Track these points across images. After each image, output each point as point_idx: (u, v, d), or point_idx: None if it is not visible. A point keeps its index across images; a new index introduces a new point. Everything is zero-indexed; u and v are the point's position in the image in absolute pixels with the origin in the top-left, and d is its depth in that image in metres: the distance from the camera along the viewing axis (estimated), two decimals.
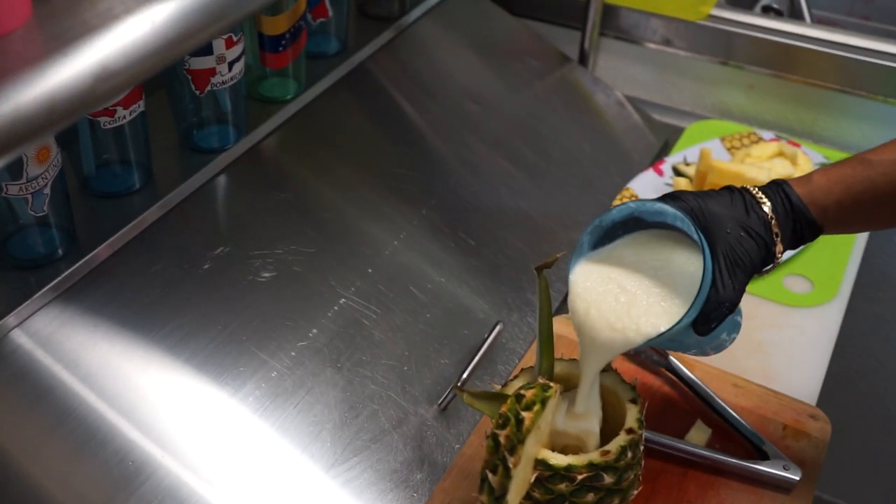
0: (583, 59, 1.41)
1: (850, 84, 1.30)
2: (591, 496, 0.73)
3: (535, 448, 0.72)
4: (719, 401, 0.92)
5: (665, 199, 0.74)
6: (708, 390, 0.93)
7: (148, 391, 0.82)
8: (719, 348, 0.80)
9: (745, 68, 1.35)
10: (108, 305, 0.85)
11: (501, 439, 0.69)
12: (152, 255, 0.91)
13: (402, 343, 0.96)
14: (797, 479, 0.85)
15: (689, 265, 0.73)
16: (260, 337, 0.90)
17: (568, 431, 0.75)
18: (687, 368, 0.95)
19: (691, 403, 0.94)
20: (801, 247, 1.11)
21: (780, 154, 1.23)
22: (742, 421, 0.90)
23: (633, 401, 0.77)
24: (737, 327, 0.80)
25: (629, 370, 0.97)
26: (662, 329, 0.70)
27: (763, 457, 0.88)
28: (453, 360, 0.96)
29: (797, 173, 1.22)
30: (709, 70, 1.37)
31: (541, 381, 0.73)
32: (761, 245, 0.73)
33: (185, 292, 0.90)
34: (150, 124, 0.93)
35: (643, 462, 0.78)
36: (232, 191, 1.00)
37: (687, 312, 0.69)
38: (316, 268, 0.98)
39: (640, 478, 0.79)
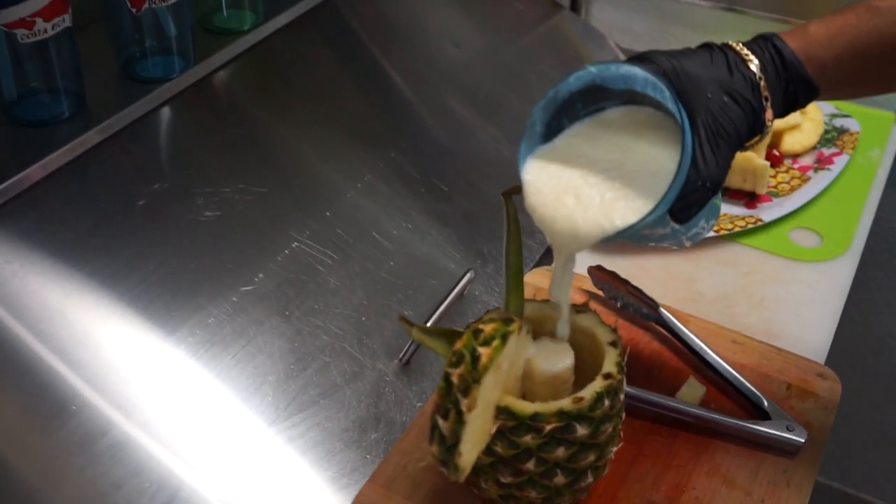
0: (575, 5, 1.31)
1: None
2: (561, 450, 0.63)
3: (496, 394, 0.62)
4: (715, 356, 0.81)
5: (633, 60, 0.63)
6: (703, 345, 0.82)
7: (74, 327, 0.73)
8: (697, 237, 0.70)
9: (750, 14, 1.24)
10: (33, 236, 0.76)
11: (454, 379, 0.58)
12: (83, 186, 0.81)
13: (360, 292, 0.86)
14: (802, 440, 0.75)
15: (664, 143, 0.63)
16: (198, 280, 0.80)
17: (537, 375, 0.65)
18: (680, 322, 0.85)
19: (684, 359, 0.84)
20: (805, 198, 1.02)
21: None
22: (741, 378, 0.80)
23: (613, 343, 0.66)
24: (716, 212, 0.70)
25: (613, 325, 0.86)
26: (632, 220, 0.60)
27: (764, 417, 0.77)
28: (418, 311, 0.86)
29: (806, 122, 1.12)
30: (711, 17, 1.27)
31: (504, 315, 0.63)
32: (748, 111, 0.62)
33: (117, 228, 0.80)
34: (90, 58, 0.84)
35: (624, 415, 0.68)
36: (176, 124, 0.90)
37: (664, 197, 0.59)
38: (266, 209, 0.88)
39: (621, 434, 0.69)
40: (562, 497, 0.66)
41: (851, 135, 1.12)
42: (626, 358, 0.66)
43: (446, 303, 0.85)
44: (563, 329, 0.67)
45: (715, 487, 0.73)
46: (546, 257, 0.96)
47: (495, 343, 0.59)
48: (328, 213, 0.90)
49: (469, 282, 0.87)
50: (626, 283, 0.87)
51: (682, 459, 0.75)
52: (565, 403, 0.62)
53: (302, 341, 0.80)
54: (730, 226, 0.99)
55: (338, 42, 1.09)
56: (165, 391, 0.73)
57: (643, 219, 0.60)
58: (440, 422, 0.59)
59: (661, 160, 0.63)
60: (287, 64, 1.02)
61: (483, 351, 0.59)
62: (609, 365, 0.65)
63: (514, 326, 0.61)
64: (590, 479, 0.66)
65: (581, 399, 0.62)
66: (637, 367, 0.83)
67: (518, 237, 0.67)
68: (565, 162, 0.64)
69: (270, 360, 0.78)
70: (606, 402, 0.63)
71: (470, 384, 0.58)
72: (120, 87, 0.90)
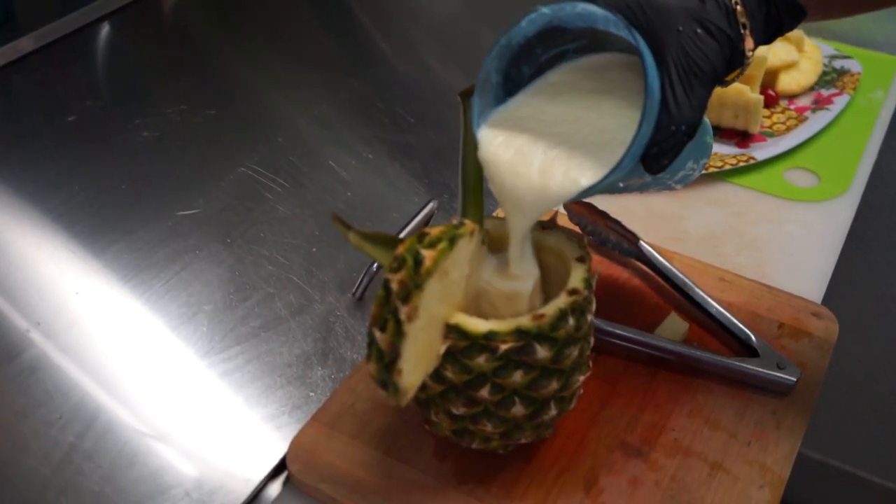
0: None
1: None
2: (519, 375, 0.55)
3: (444, 308, 0.54)
4: (699, 291, 0.74)
5: None
6: (686, 280, 0.75)
7: None
8: (686, 180, 0.63)
9: None
10: None
11: (394, 285, 0.51)
12: (7, 97, 0.74)
13: (312, 222, 0.78)
14: (794, 380, 0.67)
15: (636, 91, 0.55)
16: (129, 202, 0.73)
17: (493, 293, 0.58)
18: (663, 257, 0.77)
19: (666, 297, 0.76)
20: (802, 137, 0.94)
21: (785, 38, 1.05)
22: (727, 314, 0.72)
23: (581, 259, 0.59)
24: (706, 151, 0.62)
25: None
26: (595, 179, 0.53)
27: (752, 355, 0.70)
28: None
29: (803, 61, 1.04)
30: None
31: (454, 220, 0.55)
32: (724, 43, 0.54)
33: (42, 143, 0.73)
34: None
35: (592, 340, 0.61)
36: (115, 40, 0.83)
37: (628, 150, 0.51)
38: (211, 133, 0.80)
39: (590, 362, 0.61)
40: (522, 432, 0.59)
41: (852, 76, 1.05)
42: (595, 277, 0.59)
43: (405, 232, 0.77)
44: (516, 255, 0.58)
45: (696, 429, 0.65)
46: None
47: (441, 245, 0.52)
48: (280, 140, 0.82)
49: (432, 213, 0.80)
50: (604, 215, 0.79)
51: (661, 399, 0.68)
52: (523, 321, 0.55)
53: (244, 270, 0.73)
54: (720, 163, 0.92)
55: None
56: (86, 315, 0.65)
57: (607, 175, 0.52)
58: (377, 335, 0.51)
59: (630, 110, 0.55)
60: None
61: (427, 254, 0.51)
62: (575, 280, 0.57)
63: (464, 229, 0.54)
64: (553, 411, 0.58)
65: (542, 316, 0.55)
66: (614, 305, 0.75)
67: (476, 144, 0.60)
68: (522, 124, 0.57)
69: (207, 289, 0.70)
70: (571, 321, 0.55)
71: (411, 290, 0.50)
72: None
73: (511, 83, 0.59)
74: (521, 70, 0.59)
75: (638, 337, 0.70)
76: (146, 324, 0.67)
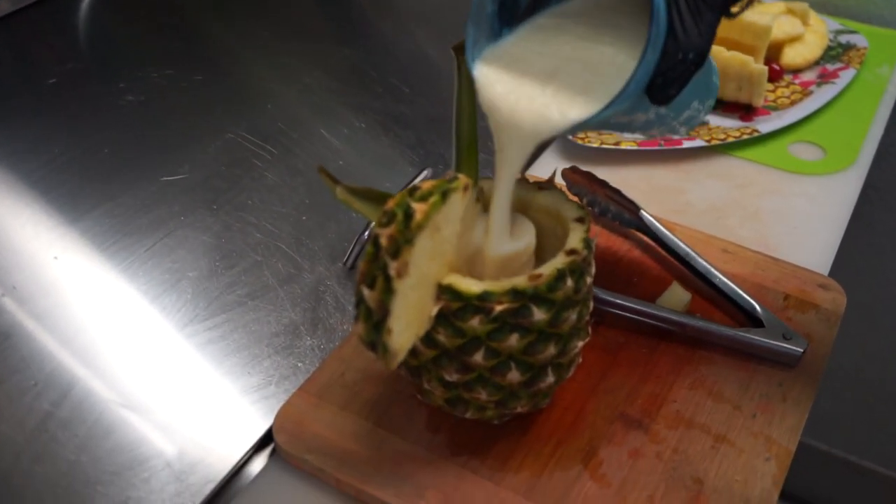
0: None
1: None
2: (515, 339, 0.53)
3: (436, 267, 0.52)
4: (702, 261, 0.71)
5: None
6: (689, 250, 0.72)
7: None
8: (692, 122, 0.60)
9: None
10: None
11: (383, 241, 0.48)
12: None
13: (302, 190, 0.76)
14: (801, 350, 0.65)
15: (638, 27, 0.53)
16: (112, 166, 0.70)
17: (490, 256, 0.55)
18: (664, 227, 0.75)
19: (667, 268, 0.74)
20: (807, 111, 0.92)
21: (790, 12, 1.03)
22: (731, 284, 0.70)
23: (580, 220, 0.56)
24: (712, 92, 0.60)
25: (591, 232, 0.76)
26: (598, 107, 0.50)
27: (757, 326, 0.67)
28: None
29: (808, 34, 1.02)
30: None
31: (448, 174, 0.53)
32: None
33: (21, 105, 0.70)
34: None
35: (592, 305, 0.58)
36: (98, 3, 0.80)
37: (633, 75, 0.49)
38: (198, 97, 0.78)
39: (589, 328, 0.59)
40: (518, 400, 0.56)
41: (858, 50, 1.02)
42: (595, 240, 0.56)
43: None
44: (499, 244, 0.55)
45: (699, 400, 0.63)
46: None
47: (433, 199, 0.49)
48: (269, 107, 0.80)
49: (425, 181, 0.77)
50: (603, 184, 0.77)
51: (662, 371, 0.65)
52: (519, 281, 0.52)
53: (231, 238, 0.70)
54: (722, 136, 0.89)
55: None
56: (64, 281, 0.62)
57: (612, 102, 0.49)
58: (366, 293, 0.48)
59: (635, 47, 0.53)
60: None
61: (418, 207, 0.49)
62: (574, 241, 0.55)
63: (457, 184, 0.51)
64: (550, 378, 0.56)
65: (538, 276, 0.52)
66: (614, 276, 0.73)
67: (472, 99, 0.57)
68: (521, 59, 0.55)
69: (192, 256, 0.68)
70: (569, 283, 0.53)
71: (401, 245, 0.48)
72: None
73: (506, 13, 0.56)
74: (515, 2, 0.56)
75: (639, 307, 0.67)
76: (127, 291, 0.64)
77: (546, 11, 0.57)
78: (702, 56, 0.50)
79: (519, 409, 0.57)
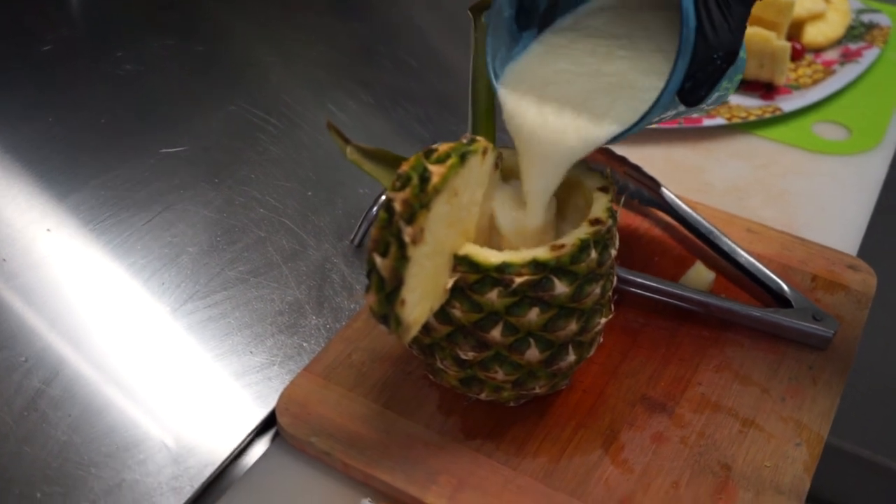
0: None
1: None
2: (535, 313, 0.49)
3: (453, 236, 0.48)
4: (726, 240, 0.68)
5: None
6: (712, 228, 0.69)
7: None
8: (720, 101, 0.57)
9: None
10: None
11: (397, 205, 0.45)
12: None
13: (308, 165, 0.72)
14: (832, 332, 0.61)
15: (663, 28, 0.50)
16: (108, 137, 0.67)
17: (508, 227, 0.52)
18: (686, 205, 0.71)
19: (689, 247, 0.70)
20: (831, 89, 0.89)
21: None
22: (757, 263, 0.66)
23: (604, 189, 0.53)
24: (739, 68, 0.57)
25: None
26: (632, 120, 0.48)
27: (785, 306, 0.64)
28: (377, 190, 0.73)
29: (831, 12, 0.98)
30: None
31: (465, 137, 0.49)
32: None
33: (11, 72, 0.67)
34: None
35: (615, 280, 0.55)
36: None
37: (665, 87, 0.46)
38: (200, 68, 0.74)
39: (612, 305, 0.55)
40: (536, 380, 0.53)
41: (882, 29, 0.99)
42: (619, 212, 0.53)
43: None
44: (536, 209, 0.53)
45: (725, 384, 0.60)
46: None
47: (451, 161, 0.46)
48: (273, 80, 0.77)
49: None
50: (622, 161, 0.73)
51: (686, 353, 0.62)
52: (540, 252, 0.49)
53: (233, 212, 0.67)
54: (744, 114, 0.86)
55: None
56: (57, 254, 0.59)
57: (646, 115, 0.47)
58: (378, 261, 0.45)
59: (661, 51, 0.51)
60: None
61: (435, 170, 0.45)
62: (598, 210, 0.51)
63: (476, 146, 0.48)
64: (571, 356, 0.53)
65: (561, 247, 0.49)
66: (633, 255, 0.69)
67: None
68: (544, 76, 0.52)
69: (192, 230, 0.65)
70: (593, 254, 0.50)
71: (416, 210, 0.45)
72: None
73: (524, 16, 0.54)
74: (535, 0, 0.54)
75: (660, 286, 0.64)
76: (124, 265, 0.61)
77: (567, 14, 0.55)
78: (733, 55, 0.47)
79: (537, 390, 0.54)
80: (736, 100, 0.89)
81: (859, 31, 0.99)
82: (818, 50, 0.97)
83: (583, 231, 0.50)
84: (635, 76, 0.51)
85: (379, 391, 0.59)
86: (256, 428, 0.57)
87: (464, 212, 0.49)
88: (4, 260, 0.58)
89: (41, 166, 0.63)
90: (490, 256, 0.49)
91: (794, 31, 0.97)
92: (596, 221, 0.50)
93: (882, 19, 1.01)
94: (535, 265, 0.48)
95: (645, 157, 0.82)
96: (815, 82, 0.92)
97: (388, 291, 0.45)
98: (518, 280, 0.48)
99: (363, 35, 0.85)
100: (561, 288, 0.49)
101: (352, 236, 0.69)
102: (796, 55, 0.95)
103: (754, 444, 0.56)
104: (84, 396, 0.54)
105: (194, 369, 0.58)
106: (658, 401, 0.58)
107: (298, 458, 0.56)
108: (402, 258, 0.44)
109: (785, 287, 0.65)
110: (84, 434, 0.53)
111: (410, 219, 0.45)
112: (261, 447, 0.57)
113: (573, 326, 0.51)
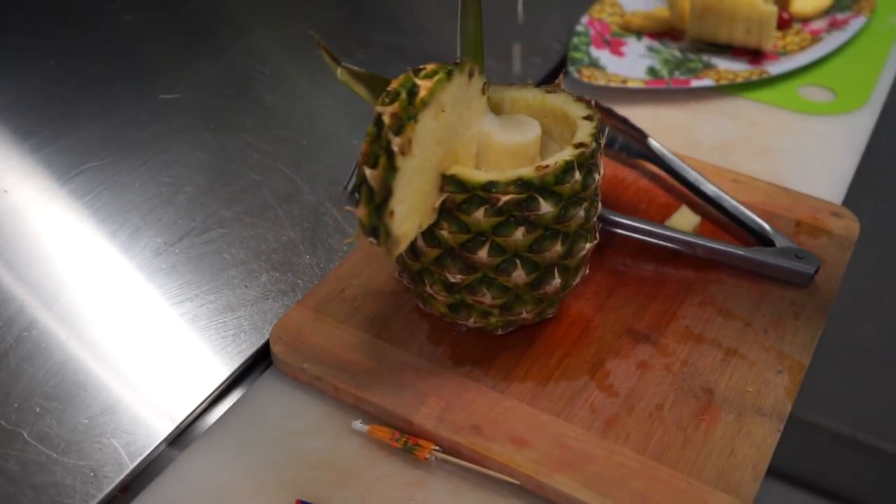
0: None
1: None
2: (520, 233, 0.51)
3: (440, 154, 0.50)
4: (712, 186, 0.70)
5: None
6: (698, 175, 0.71)
7: None
8: None
9: None
10: None
11: (386, 118, 0.46)
12: None
13: (302, 115, 0.74)
14: (813, 270, 0.63)
15: None
16: (107, 81, 0.68)
17: (495, 149, 0.53)
18: (673, 154, 0.73)
19: (676, 195, 0.72)
20: (818, 54, 0.90)
21: None
22: (741, 207, 0.68)
23: (588, 118, 0.55)
24: None
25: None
26: None
27: (768, 246, 0.65)
28: None
29: None
30: None
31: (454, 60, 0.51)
32: None
33: (12, 19, 0.68)
34: None
35: (599, 207, 0.56)
36: None
37: None
38: (195, 20, 0.76)
39: (597, 233, 0.57)
40: (523, 304, 0.55)
41: (868, 0, 1.01)
42: (603, 137, 0.55)
43: None
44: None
45: (708, 317, 0.61)
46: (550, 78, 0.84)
47: (438, 76, 0.48)
48: (268, 32, 0.78)
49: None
50: (609, 112, 0.75)
51: (670, 290, 0.63)
52: (526, 171, 0.50)
53: (229, 157, 0.68)
54: (731, 76, 0.88)
55: None
56: (55, 192, 0.61)
57: None
58: (368, 173, 0.47)
59: None
60: None
61: (422, 84, 0.47)
62: (582, 135, 0.53)
63: (463, 66, 0.49)
64: (556, 280, 0.54)
65: (545, 167, 0.50)
66: (620, 203, 0.71)
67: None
68: None
69: (188, 172, 0.66)
70: (577, 176, 0.51)
71: (404, 122, 0.46)
72: None
73: None
74: None
75: (646, 227, 0.65)
76: (122, 202, 0.62)
77: None
78: None
79: (524, 315, 0.55)
80: (724, 64, 0.91)
81: (846, 2, 1.01)
82: (806, 20, 0.99)
83: (567, 153, 0.51)
84: None
85: (370, 323, 0.60)
86: (251, 356, 0.58)
87: (451, 131, 0.50)
88: (6, 191, 0.59)
89: (37, 109, 0.64)
90: (477, 175, 0.50)
91: (782, 1, 0.98)
92: (580, 145, 0.52)
93: None
94: (521, 184, 0.50)
95: (633, 115, 0.84)
96: (802, 49, 0.93)
97: (377, 203, 0.47)
98: (504, 198, 0.50)
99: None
100: (546, 207, 0.51)
101: (345, 182, 0.70)
102: (784, 24, 0.97)
103: (737, 370, 0.57)
104: (82, 322, 0.55)
105: (189, 300, 0.59)
106: (643, 332, 0.60)
107: (291, 385, 0.58)
108: (391, 168, 0.46)
109: (768, 228, 0.66)
110: (85, 353, 0.54)
111: (399, 130, 0.46)
112: (254, 377, 0.58)
113: (558, 248, 0.53)
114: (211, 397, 0.56)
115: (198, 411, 0.55)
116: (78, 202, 0.61)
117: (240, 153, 0.69)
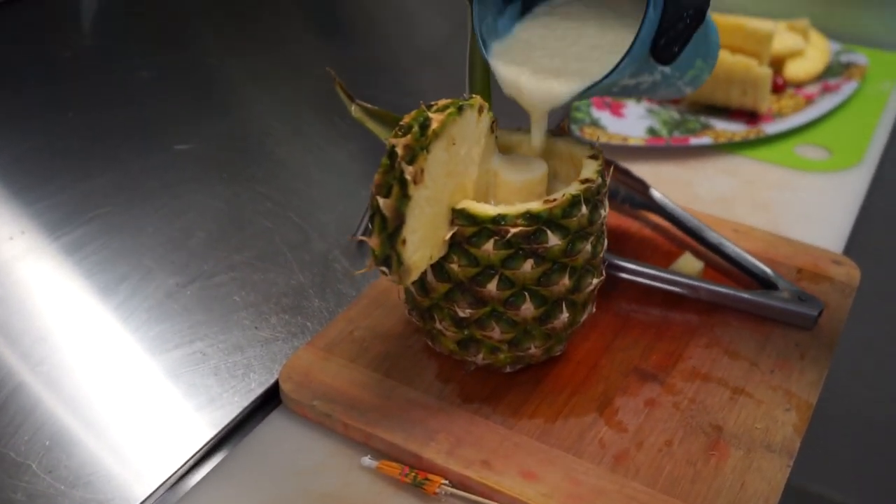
0: None
1: None
2: (529, 266, 0.52)
3: (451, 187, 0.51)
4: (714, 233, 0.71)
5: None
6: (700, 224, 0.72)
7: None
8: (696, 82, 0.61)
9: None
10: None
11: (399, 149, 0.48)
12: None
13: (312, 167, 0.76)
14: (816, 312, 0.64)
15: (629, 6, 0.55)
16: (124, 132, 0.70)
17: (504, 187, 0.55)
18: (675, 204, 0.74)
19: (679, 243, 0.73)
20: (813, 115, 0.93)
21: (791, 28, 1.05)
22: (744, 253, 0.69)
23: (594, 157, 0.56)
24: (713, 50, 0.61)
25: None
26: (606, 70, 0.51)
27: (771, 290, 0.66)
28: None
29: (810, 49, 1.03)
30: None
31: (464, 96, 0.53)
32: None
33: (35, 74, 0.70)
34: None
35: (606, 243, 0.57)
36: None
37: (637, 35, 0.50)
38: (209, 76, 0.78)
39: (602, 269, 0.58)
40: (531, 339, 0.55)
41: (859, 67, 1.04)
42: (609, 174, 0.56)
43: None
44: (537, 136, 0.57)
45: (715, 357, 0.62)
46: None
47: (450, 111, 0.49)
48: (279, 91, 0.81)
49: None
50: (612, 164, 0.77)
51: (676, 332, 0.64)
52: (534, 205, 0.52)
53: (241, 204, 0.70)
54: (729, 135, 0.90)
55: None
56: (72, 235, 0.62)
57: (620, 62, 0.50)
58: (381, 202, 0.48)
59: (628, 22, 0.55)
60: None
61: (434, 117, 0.49)
62: (588, 172, 0.54)
63: (473, 101, 0.51)
64: (564, 314, 0.55)
65: (553, 200, 0.52)
66: (624, 251, 0.72)
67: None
68: (529, 42, 0.57)
69: (202, 218, 0.67)
70: (584, 210, 0.52)
71: (417, 152, 0.48)
72: None
73: None
74: None
75: (651, 271, 0.66)
76: (135, 244, 0.63)
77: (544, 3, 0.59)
78: (701, 12, 0.52)
79: (532, 350, 0.56)
80: (722, 125, 0.93)
81: (838, 69, 1.04)
82: (799, 85, 1.02)
83: (574, 188, 0.53)
84: (612, 40, 0.55)
85: (379, 362, 0.60)
86: (261, 396, 0.59)
87: (461, 165, 0.52)
88: (23, 232, 0.60)
89: (62, 153, 0.66)
90: (486, 209, 0.51)
91: (776, 67, 1.01)
92: (586, 180, 0.53)
93: (859, 58, 1.06)
94: (529, 217, 0.51)
95: (634, 169, 0.85)
96: (797, 111, 0.96)
97: (390, 231, 0.48)
98: (513, 231, 0.51)
99: (365, 58, 0.90)
100: (554, 240, 0.52)
101: (355, 230, 0.72)
102: (778, 89, 1.00)
103: (745, 408, 0.58)
104: (91, 358, 0.56)
105: (200, 340, 0.60)
106: (650, 372, 0.60)
107: (300, 423, 0.58)
108: (404, 196, 0.47)
109: (770, 273, 0.67)
110: (96, 392, 0.54)
111: (411, 160, 0.47)
112: (264, 415, 0.59)
113: (566, 282, 0.53)
114: (220, 434, 0.56)
115: (207, 447, 0.55)
116: (93, 243, 0.62)
117: (251, 202, 0.70)
